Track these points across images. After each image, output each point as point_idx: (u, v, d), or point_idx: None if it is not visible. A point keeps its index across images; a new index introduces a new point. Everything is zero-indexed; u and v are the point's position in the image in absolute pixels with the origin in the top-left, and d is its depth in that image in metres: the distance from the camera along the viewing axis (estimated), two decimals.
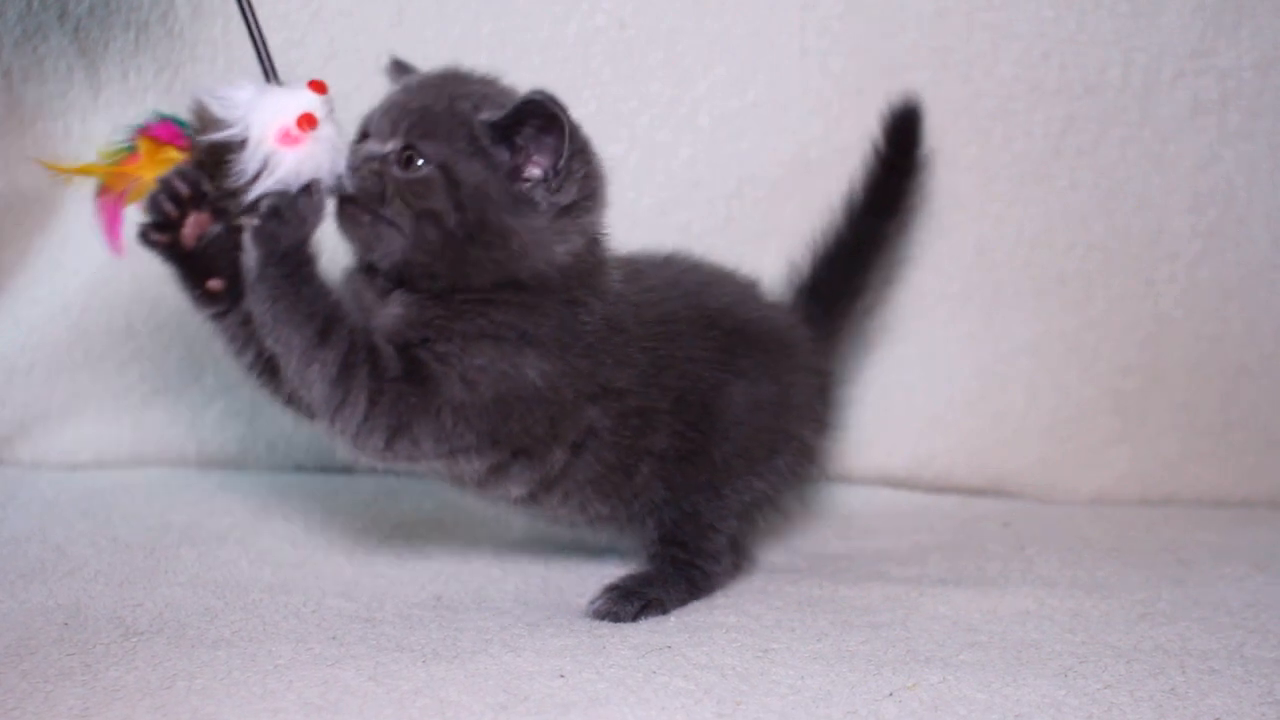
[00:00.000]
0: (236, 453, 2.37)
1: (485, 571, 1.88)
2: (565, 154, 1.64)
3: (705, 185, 2.35)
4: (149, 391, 2.35)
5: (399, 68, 1.81)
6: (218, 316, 1.68)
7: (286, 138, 1.57)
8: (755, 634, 1.64)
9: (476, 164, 1.64)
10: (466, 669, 1.51)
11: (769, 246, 2.34)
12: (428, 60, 2.30)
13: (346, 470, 2.34)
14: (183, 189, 1.58)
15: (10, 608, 1.66)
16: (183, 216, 1.60)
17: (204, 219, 1.61)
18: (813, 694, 1.47)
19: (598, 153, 1.73)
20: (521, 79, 2.31)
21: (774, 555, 1.99)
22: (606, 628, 1.66)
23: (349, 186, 1.62)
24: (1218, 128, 2.36)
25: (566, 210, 1.67)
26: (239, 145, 1.57)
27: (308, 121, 1.57)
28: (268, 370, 1.69)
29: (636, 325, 1.76)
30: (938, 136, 2.34)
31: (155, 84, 2.28)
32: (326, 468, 2.36)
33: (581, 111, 2.31)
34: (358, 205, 1.63)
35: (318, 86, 1.61)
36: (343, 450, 1.66)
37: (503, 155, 1.65)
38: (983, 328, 2.38)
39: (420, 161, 1.63)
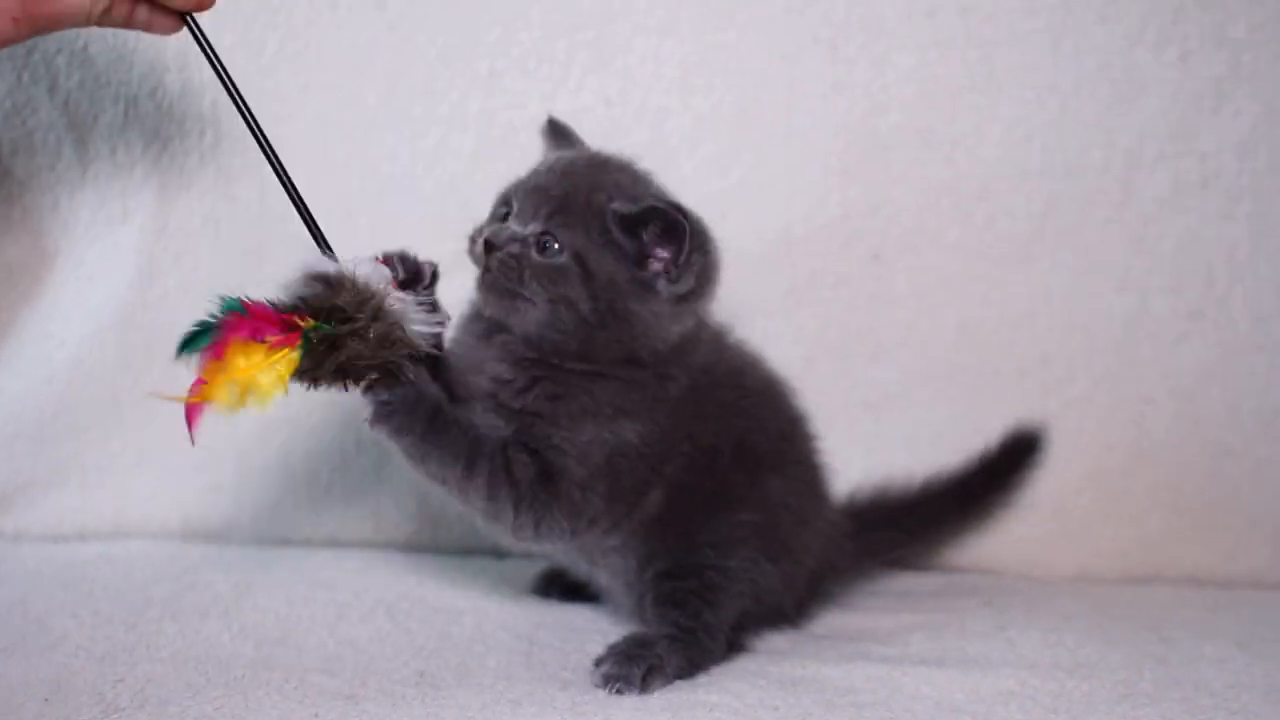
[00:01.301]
0: (220, 526, 2.36)
1: (468, 648, 1.87)
2: (685, 252, 1.77)
3: None
4: (132, 463, 2.35)
5: (554, 129, 1.97)
6: None
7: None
8: (739, 713, 1.64)
9: (608, 255, 1.78)
10: None
11: (753, 323, 2.35)
12: (414, 137, 2.34)
13: (330, 544, 2.34)
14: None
15: None
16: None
17: None
18: None
19: (714, 238, 1.85)
20: (509, 158, 2.35)
21: None
22: (590, 706, 1.65)
23: (493, 265, 1.77)
24: (1198, 209, 2.38)
25: (683, 299, 1.81)
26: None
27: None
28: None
29: (710, 381, 1.90)
30: (921, 217, 2.37)
31: (144, 158, 2.29)
32: (310, 541, 2.36)
33: None
34: (497, 281, 1.77)
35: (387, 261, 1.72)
36: (505, 542, 1.86)
37: (630, 243, 1.77)
38: (966, 407, 2.39)
39: (557, 247, 1.76)
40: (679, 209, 1.76)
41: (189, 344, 1.58)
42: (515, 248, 1.77)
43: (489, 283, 1.78)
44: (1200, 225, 2.39)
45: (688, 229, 1.75)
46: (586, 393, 1.79)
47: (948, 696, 1.72)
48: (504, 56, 2.35)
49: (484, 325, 1.84)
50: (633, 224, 1.77)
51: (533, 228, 1.78)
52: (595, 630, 1.95)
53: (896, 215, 2.38)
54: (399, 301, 1.68)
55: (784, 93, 2.37)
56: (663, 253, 1.77)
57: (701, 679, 1.78)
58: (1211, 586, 2.37)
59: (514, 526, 1.79)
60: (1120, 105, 2.37)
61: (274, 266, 2.32)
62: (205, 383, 1.56)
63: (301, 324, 1.61)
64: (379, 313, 1.65)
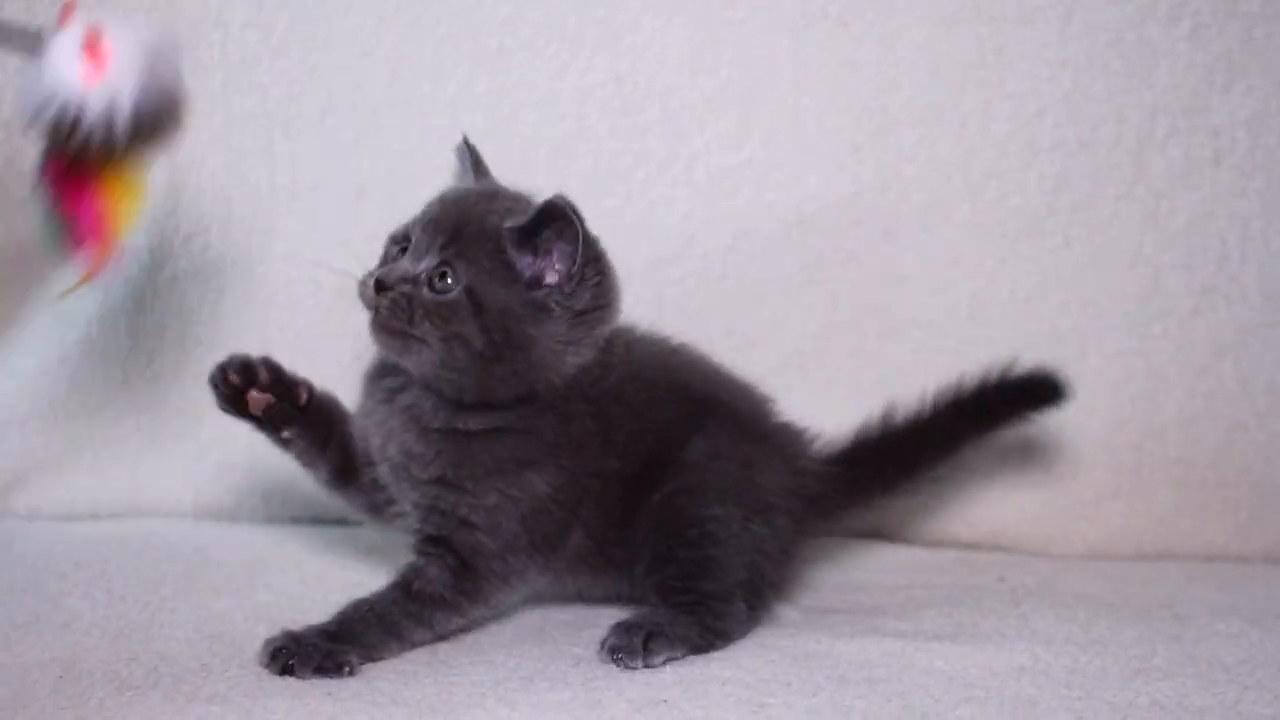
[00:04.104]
0: (232, 504, 2.37)
1: (480, 624, 1.87)
2: (579, 259, 1.73)
3: (701, 240, 2.36)
4: (145, 443, 2.36)
5: (467, 150, 1.93)
6: (287, 448, 1.90)
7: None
8: (752, 688, 1.64)
9: (501, 283, 1.73)
10: None
11: (765, 301, 2.35)
12: (423, 116, 2.34)
13: (342, 522, 2.34)
14: (235, 379, 1.80)
15: (4, 660, 1.66)
16: (243, 393, 1.81)
17: (262, 398, 1.81)
18: None
19: (614, 266, 1.79)
20: (518, 135, 2.35)
21: None
22: (602, 681, 1.65)
23: (382, 306, 1.72)
24: (1210, 185, 2.37)
25: (579, 317, 1.76)
26: None
27: None
28: (339, 481, 1.91)
29: (618, 407, 1.86)
30: (932, 193, 2.36)
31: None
32: (322, 519, 2.36)
33: (577, 166, 2.36)
34: (388, 322, 1.73)
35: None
36: None
37: (525, 262, 1.74)
38: None
39: (450, 280, 1.72)
40: (572, 206, 1.71)
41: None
42: (406, 287, 1.72)
43: (380, 323, 1.73)
44: (1212, 201, 2.38)
45: (580, 228, 1.71)
46: (487, 451, 1.77)
47: (961, 671, 1.72)
48: (513, 35, 2.34)
49: (385, 389, 1.83)
50: (528, 233, 1.73)
51: (427, 262, 1.74)
52: (608, 606, 1.94)
53: (907, 192, 2.37)
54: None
55: (794, 70, 2.36)
56: (558, 262, 1.73)
57: (715, 653, 1.78)
58: (1224, 562, 2.36)
59: (473, 620, 1.81)
60: (1132, 80, 2.36)
61: (285, 245, 2.34)
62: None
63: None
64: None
